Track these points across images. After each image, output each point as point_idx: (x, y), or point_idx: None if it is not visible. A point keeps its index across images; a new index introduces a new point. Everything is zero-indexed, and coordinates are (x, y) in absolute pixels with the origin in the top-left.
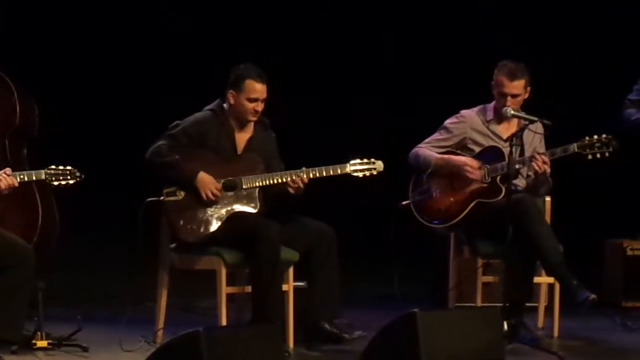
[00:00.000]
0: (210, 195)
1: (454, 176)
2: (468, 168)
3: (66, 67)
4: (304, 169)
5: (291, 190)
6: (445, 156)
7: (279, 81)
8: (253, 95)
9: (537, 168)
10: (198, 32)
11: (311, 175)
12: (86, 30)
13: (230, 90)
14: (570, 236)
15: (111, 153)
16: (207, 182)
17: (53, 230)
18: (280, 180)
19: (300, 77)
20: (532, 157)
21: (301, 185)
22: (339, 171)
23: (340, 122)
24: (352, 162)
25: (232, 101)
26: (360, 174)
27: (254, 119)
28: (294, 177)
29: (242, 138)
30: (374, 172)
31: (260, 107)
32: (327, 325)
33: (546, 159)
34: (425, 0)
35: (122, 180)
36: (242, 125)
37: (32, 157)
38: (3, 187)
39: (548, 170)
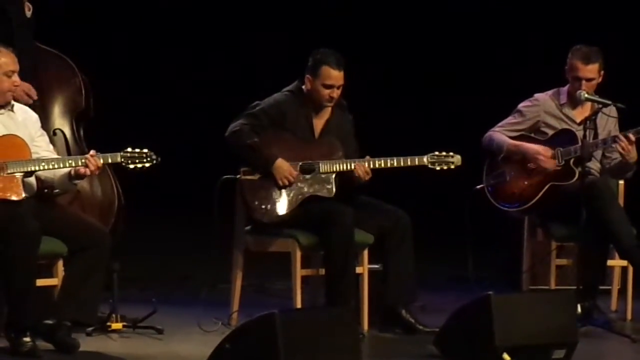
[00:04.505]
0: (285, 182)
1: (527, 160)
2: (541, 157)
3: (144, 44)
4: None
5: (360, 178)
6: (518, 143)
7: (359, 66)
8: (328, 82)
9: (621, 150)
10: (275, 13)
11: (388, 165)
12: (164, 8)
13: (308, 75)
14: None
15: (186, 130)
16: (283, 169)
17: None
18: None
19: (379, 62)
20: (615, 137)
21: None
22: (416, 162)
23: (418, 109)
24: (430, 154)
25: (308, 86)
26: (438, 167)
27: (330, 105)
28: (370, 165)
29: (319, 121)
30: (452, 166)
31: (336, 93)
32: (402, 311)
33: (632, 137)
34: None
35: (197, 159)
36: (319, 108)
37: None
38: (93, 169)
39: (634, 153)
